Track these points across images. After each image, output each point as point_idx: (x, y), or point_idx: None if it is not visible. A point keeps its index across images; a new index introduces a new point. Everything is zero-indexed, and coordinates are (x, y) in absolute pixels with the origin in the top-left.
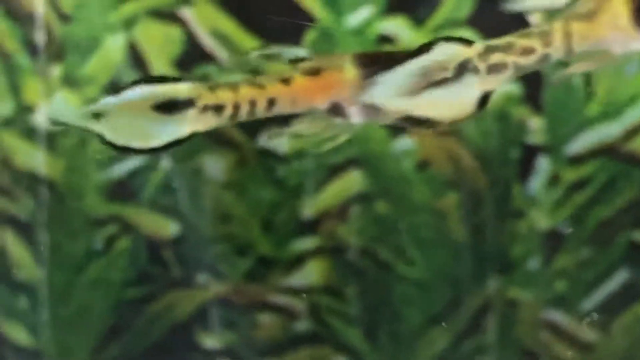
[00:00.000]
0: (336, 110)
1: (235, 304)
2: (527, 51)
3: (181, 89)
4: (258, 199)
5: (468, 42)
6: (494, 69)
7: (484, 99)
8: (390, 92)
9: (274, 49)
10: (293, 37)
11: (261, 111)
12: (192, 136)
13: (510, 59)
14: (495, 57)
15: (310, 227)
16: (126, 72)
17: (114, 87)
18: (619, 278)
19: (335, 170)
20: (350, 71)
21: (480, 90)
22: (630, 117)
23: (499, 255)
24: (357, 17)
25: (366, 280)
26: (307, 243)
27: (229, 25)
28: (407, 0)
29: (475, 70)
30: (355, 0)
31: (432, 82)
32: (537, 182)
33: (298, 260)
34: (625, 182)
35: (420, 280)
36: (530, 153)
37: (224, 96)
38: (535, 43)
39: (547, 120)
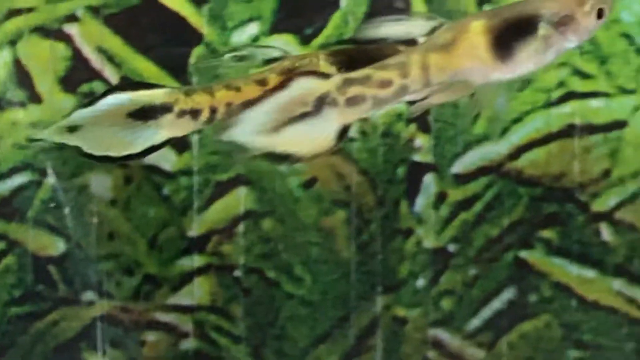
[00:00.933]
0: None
1: (121, 322)
2: (385, 83)
3: (157, 95)
4: (144, 216)
5: (326, 76)
6: (352, 101)
7: (343, 132)
8: (252, 130)
9: (247, 50)
10: (181, 54)
11: (238, 113)
12: (169, 141)
13: (369, 91)
14: (354, 90)
15: (197, 245)
16: (11, 88)
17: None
18: (506, 296)
19: (222, 188)
20: (326, 69)
21: (340, 123)
22: (516, 136)
23: (387, 274)
24: (243, 35)
25: (253, 299)
26: (194, 261)
27: (115, 43)
28: (293, 19)
29: (334, 104)
30: (241, 17)
31: (292, 117)
32: (423, 201)
33: (185, 279)
34: (512, 200)
35: (307, 299)
36: (417, 171)
37: (200, 100)
38: (392, 75)
39: (433, 138)
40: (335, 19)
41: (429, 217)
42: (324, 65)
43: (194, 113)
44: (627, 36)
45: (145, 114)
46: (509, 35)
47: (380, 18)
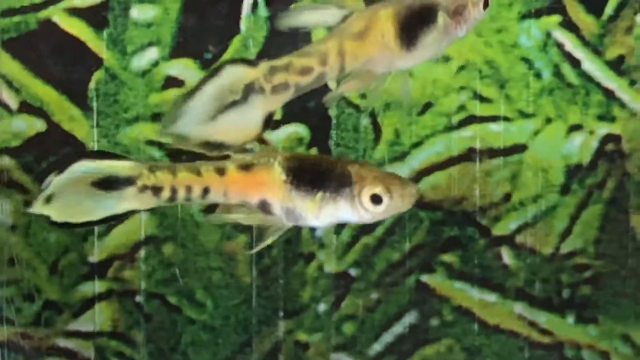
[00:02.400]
0: (264, 207)
1: (22, 349)
2: (306, 70)
3: (122, 167)
4: (45, 242)
5: (253, 63)
6: (277, 89)
7: (268, 120)
8: (193, 121)
9: (217, 139)
10: (81, 79)
11: (197, 197)
12: (129, 213)
13: (292, 78)
14: (278, 78)
15: (98, 270)
16: None
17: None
18: (407, 320)
19: (122, 213)
20: (278, 173)
21: (265, 110)
22: (416, 160)
23: (288, 298)
24: (142, 59)
25: (155, 324)
26: (95, 287)
27: (13, 67)
28: (193, 43)
29: (261, 91)
30: (141, 42)
31: (223, 105)
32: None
33: (86, 304)
34: (413, 224)
35: (209, 324)
36: None
37: (163, 178)
38: (312, 62)
39: None
40: (236, 43)
41: (330, 242)
42: (277, 169)
43: (156, 189)
44: (526, 60)
45: (109, 184)
46: (413, 24)
47: (297, 6)
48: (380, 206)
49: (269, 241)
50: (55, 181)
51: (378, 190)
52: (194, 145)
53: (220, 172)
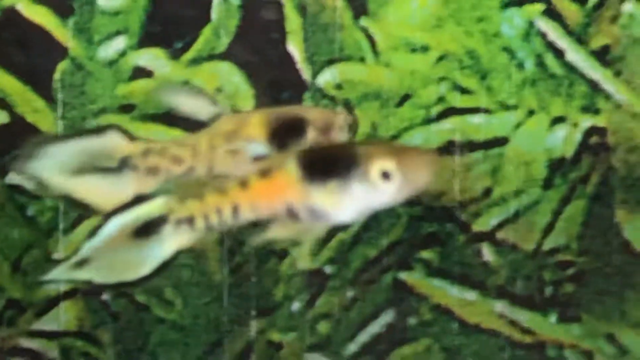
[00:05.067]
0: (292, 214)
1: None
2: (178, 160)
3: (153, 208)
4: (7, 238)
5: (134, 138)
6: (150, 171)
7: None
8: (53, 166)
9: (238, 144)
10: (45, 69)
11: (229, 219)
12: (178, 255)
13: (164, 164)
14: (152, 160)
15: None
16: None
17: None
18: (384, 319)
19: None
20: (294, 171)
21: (136, 189)
22: None
23: (261, 297)
24: (110, 49)
25: (122, 324)
26: (59, 285)
27: None
28: (162, 33)
29: (135, 168)
30: (108, 31)
31: (96, 167)
32: None
33: (50, 303)
34: (390, 220)
35: (179, 323)
36: None
37: (192, 207)
38: (185, 153)
39: None
40: (206, 32)
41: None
42: (291, 168)
43: (189, 221)
44: (508, 50)
45: (147, 230)
46: (283, 132)
47: (177, 86)
48: (392, 182)
49: (306, 250)
50: (86, 246)
51: (387, 164)
52: (54, 195)
53: (244, 184)
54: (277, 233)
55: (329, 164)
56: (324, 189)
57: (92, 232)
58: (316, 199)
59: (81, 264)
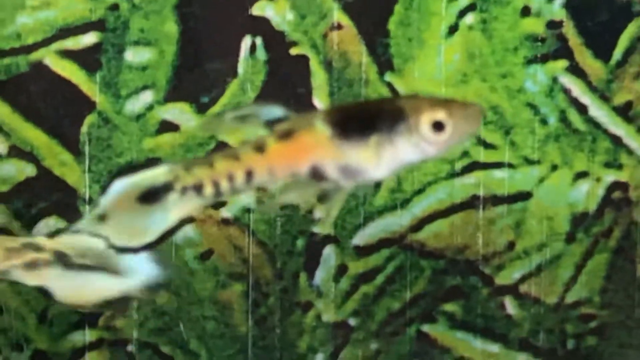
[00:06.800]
0: (316, 174)
1: None
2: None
3: (158, 174)
4: (34, 290)
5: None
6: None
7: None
8: None
9: (249, 109)
10: (73, 123)
11: (242, 185)
12: (182, 223)
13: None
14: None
15: (89, 319)
16: None
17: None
18: None
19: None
20: (322, 130)
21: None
22: (418, 207)
23: (285, 349)
24: (137, 103)
25: None
26: (85, 336)
27: (3, 111)
28: (189, 88)
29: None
30: (135, 85)
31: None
32: (323, 273)
33: (76, 354)
34: (414, 273)
35: None
36: (316, 243)
37: (201, 174)
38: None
39: None
40: (233, 86)
41: (329, 290)
42: (320, 127)
43: (197, 188)
44: (532, 106)
45: (152, 195)
46: None
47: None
48: (443, 133)
49: (335, 212)
50: (104, 201)
51: (438, 115)
52: None
53: (260, 149)
54: (293, 197)
55: (367, 120)
56: (362, 146)
57: (104, 191)
58: (351, 157)
59: (102, 218)
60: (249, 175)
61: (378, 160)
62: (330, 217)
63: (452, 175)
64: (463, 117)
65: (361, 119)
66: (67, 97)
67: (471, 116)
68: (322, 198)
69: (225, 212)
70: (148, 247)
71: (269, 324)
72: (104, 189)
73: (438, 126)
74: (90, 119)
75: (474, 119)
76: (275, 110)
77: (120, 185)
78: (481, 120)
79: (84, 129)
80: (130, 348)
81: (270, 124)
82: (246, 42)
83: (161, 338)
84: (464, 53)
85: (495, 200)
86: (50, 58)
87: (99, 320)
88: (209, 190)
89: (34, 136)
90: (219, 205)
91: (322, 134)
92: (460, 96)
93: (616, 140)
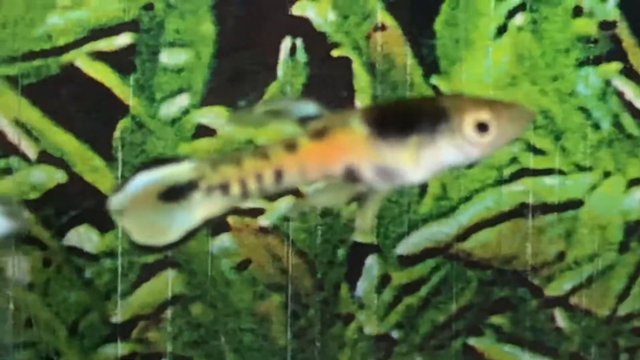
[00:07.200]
0: (351, 175)
1: None
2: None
3: (182, 171)
4: (64, 301)
5: None
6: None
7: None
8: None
9: (282, 103)
10: (105, 127)
11: (270, 185)
12: (206, 224)
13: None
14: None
15: (122, 331)
16: None
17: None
18: None
19: (148, 270)
20: (359, 129)
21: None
22: (465, 216)
23: None
24: (172, 107)
25: None
26: (118, 349)
27: (33, 115)
28: (226, 91)
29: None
30: (170, 88)
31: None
32: (365, 284)
33: None
34: (460, 284)
35: None
36: (358, 253)
37: (228, 172)
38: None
39: (376, 217)
40: (272, 89)
41: (371, 302)
42: (356, 126)
43: (223, 188)
44: (583, 110)
45: (175, 193)
46: None
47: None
48: (487, 134)
49: (370, 217)
50: (123, 195)
51: (482, 116)
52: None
53: (291, 148)
54: (326, 199)
55: (407, 119)
56: (401, 146)
57: (117, 187)
58: (388, 158)
59: (120, 213)
60: (279, 175)
61: (417, 162)
62: (365, 222)
63: (500, 182)
64: (508, 118)
65: (400, 119)
66: (100, 101)
67: (517, 117)
68: (357, 201)
69: (264, 221)
70: (171, 246)
71: (308, 337)
72: None
73: (482, 127)
74: (123, 124)
75: (519, 121)
76: (309, 107)
77: (142, 180)
78: (527, 122)
79: (117, 133)
80: None
81: (304, 121)
82: (286, 44)
83: (196, 351)
84: (513, 55)
85: (545, 208)
86: (81, 60)
87: (132, 333)
88: (235, 190)
89: (65, 141)
90: (256, 213)
91: (358, 134)
92: (509, 100)
93: None
